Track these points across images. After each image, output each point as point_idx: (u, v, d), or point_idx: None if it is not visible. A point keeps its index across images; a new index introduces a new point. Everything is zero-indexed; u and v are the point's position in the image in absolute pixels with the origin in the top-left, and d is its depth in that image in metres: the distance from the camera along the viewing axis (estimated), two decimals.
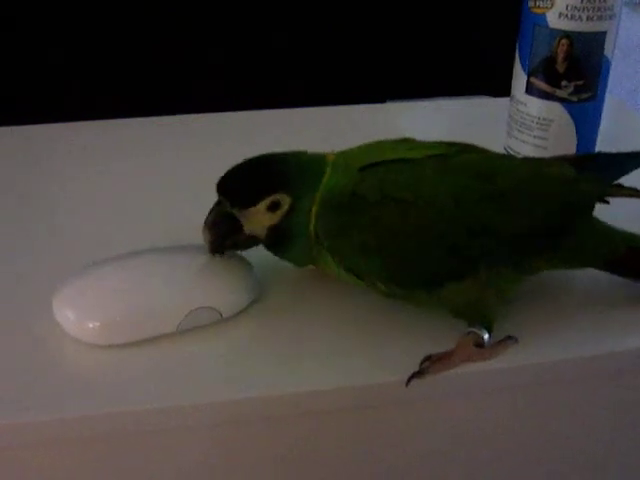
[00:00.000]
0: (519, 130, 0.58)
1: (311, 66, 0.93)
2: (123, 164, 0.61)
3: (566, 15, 0.53)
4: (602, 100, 0.57)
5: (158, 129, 0.68)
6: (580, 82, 0.55)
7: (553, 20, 0.53)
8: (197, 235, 0.43)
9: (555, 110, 0.56)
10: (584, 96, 0.56)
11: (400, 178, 0.41)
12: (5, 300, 0.45)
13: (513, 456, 0.46)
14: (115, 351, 0.41)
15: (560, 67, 0.55)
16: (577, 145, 0.57)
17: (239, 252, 0.45)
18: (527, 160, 0.49)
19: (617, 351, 0.43)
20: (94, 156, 0.63)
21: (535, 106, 0.57)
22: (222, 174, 0.42)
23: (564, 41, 0.54)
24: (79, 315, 0.41)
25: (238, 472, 0.43)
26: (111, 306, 0.42)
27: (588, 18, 0.53)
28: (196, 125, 0.69)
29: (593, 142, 0.59)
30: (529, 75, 0.56)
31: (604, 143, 0.58)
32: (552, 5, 0.53)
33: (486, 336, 0.41)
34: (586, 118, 0.57)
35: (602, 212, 0.44)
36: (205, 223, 0.42)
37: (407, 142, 0.45)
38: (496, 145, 0.50)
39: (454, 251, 0.41)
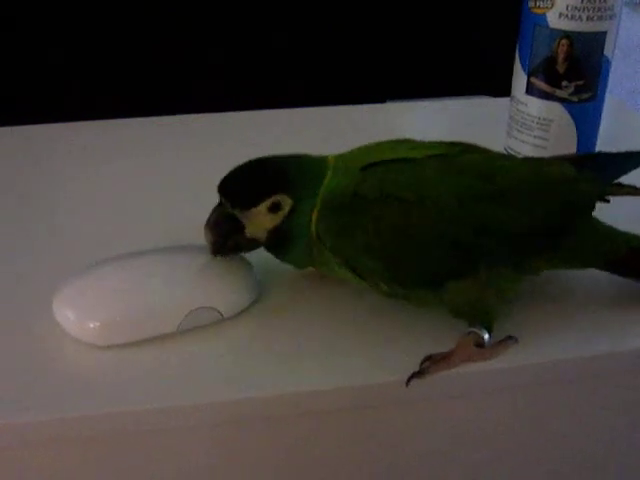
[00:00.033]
0: (519, 130, 0.58)
1: (311, 66, 0.93)
2: (123, 164, 0.61)
3: (566, 15, 0.53)
4: (602, 100, 0.57)
5: (158, 129, 0.68)
6: (580, 82, 0.55)
7: (553, 20, 0.54)
8: (197, 235, 0.43)
9: (555, 110, 0.56)
10: (584, 96, 0.56)
11: (401, 178, 0.41)
12: (5, 300, 0.45)
13: (513, 456, 0.46)
14: (115, 351, 0.41)
15: (560, 67, 0.55)
16: (577, 145, 0.57)
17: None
18: (527, 160, 0.49)
19: (617, 351, 0.43)
20: (94, 156, 0.63)
21: (535, 106, 0.57)
22: (222, 174, 0.42)
23: (564, 41, 0.54)
24: (79, 315, 0.41)
25: (238, 472, 0.43)
26: (111, 306, 0.42)
27: (588, 18, 0.53)
28: (196, 125, 0.69)
29: (593, 142, 0.59)
30: (529, 75, 0.56)
31: (604, 143, 0.58)
32: (552, 5, 0.53)
33: (486, 336, 0.41)
34: (586, 118, 0.57)
35: (602, 212, 0.44)
36: (207, 224, 0.42)
37: (407, 142, 0.45)
38: (496, 145, 0.50)
39: (455, 251, 0.41)
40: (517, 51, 0.57)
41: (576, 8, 0.53)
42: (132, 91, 0.89)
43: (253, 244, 0.43)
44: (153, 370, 0.40)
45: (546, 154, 0.56)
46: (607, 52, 0.55)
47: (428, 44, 0.95)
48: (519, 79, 0.57)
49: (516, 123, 0.59)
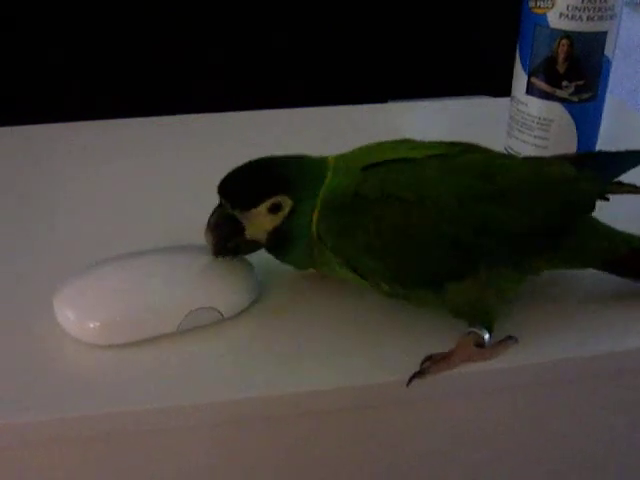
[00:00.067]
0: (519, 130, 0.58)
1: (311, 66, 0.93)
2: (123, 164, 0.61)
3: (567, 15, 0.53)
4: (602, 100, 0.57)
5: (158, 129, 0.68)
6: (581, 82, 0.55)
7: (554, 20, 0.53)
8: (197, 235, 0.43)
9: (555, 110, 0.56)
10: (585, 96, 0.56)
11: (402, 177, 0.41)
12: (5, 300, 0.45)
13: (513, 456, 0.46)
14: (115, 351, 0.41)
15: (561, 67, 0.55)
16: (577, 145, 0.57)
17: None
18: (527, 159, 0.49)
19: (617, 351, 0.43)
20: (94, 156, 0.63)
21: (535, 106, 0.57)
22: (222, 174, 0.42)
23: (565, 41, 0.54)
24: (79, 315, 0.41)
25: (238, 472, 0.43)
26: (111, 306, 0.42)
27: (589, 18, 0.53)
28: (196, 125, 0.69)
29: (593, 142, 0.59)
30: (529, 75, 0.56)
31: (604, 143, 0.58)
32: (553, 5, 0.53)
33: (486, 336, 0.41)
34: (586, 118, 0.57)
35: (602, 212, 0.44)
36: (207, 225, 0.42)
37: (407, 142, 0.45)
38: (496, 145, 0.50)
39: (455, 250, 0.41)
40: (517, 51, 0.57)
41: (576, 8, 0.53)
42: (132, 91, 0.89)
43: (253, 246, 0.43)
44: (153, 370, 0.40)
45: (546, 154, 0.56)
46: (607, 52, 0.55)
47: (428, 44, 0.95)
48: (519, 79, 0.57)
49: (516, 123, 0.59)
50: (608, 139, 0.59)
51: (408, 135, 0.46)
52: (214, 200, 0.42)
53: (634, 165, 0.46)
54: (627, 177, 0.45)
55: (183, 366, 0.41)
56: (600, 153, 0.48)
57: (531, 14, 0.55)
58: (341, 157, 0.44)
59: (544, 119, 0.57)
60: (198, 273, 0.44)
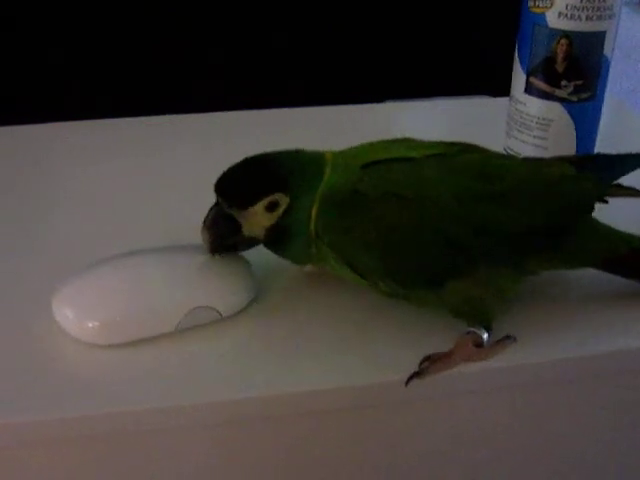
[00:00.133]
0: (519, 130, 0.58)
1: (311, 66, 0.93)
2: (122, 164, 0.61)
3: (565, 15, 0.53)
4: (602, 100, 0.57)
5: (158, 129, 0.68)
6: (580, 82, 0.55)
7: (553, 20, 0.53)
8: (196, 235, 0.43)
9: (555, 110, 0.56)
10: (584, 96, 0.56)
11: (401, 176, 0.41)
12: (5, 300, 0.45)
13: (512, 456, 0.46)
14: (115, 351, 0.41)
15: (559, 67, 0.55)
16: (577, 145, 0.57)
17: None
18: (527, 160, 0.49)
19: (617, 351, 0.43)
20: (94, 156, 0.63)
21: (535, 106, 0.57)
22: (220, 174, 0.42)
23: (563, 41, 0.54)
24: (79, 315, 0.41)
25: (238, 472, 0.43)
26: (111, 306, 0.42)
27: (588, 18, 0.53)
28: (196, 125, 0.69)
29: (593, 142, 0.59)
30: (528, 75, 0.56)
31: (604, 143, 0.58)
32: (552, 5, 0.53)
33: (485, 336, 0.41)
34: (586, 118, 0.57)
35: (602, 212, 0.44)
36: (204, 223, 0.42)
37: (406, 141, 0.45)
38: (496, 145, 0.50)
39: (454, 250, 0.41)
40: (516, 51, 0.57)
41: (575, 7, 0.52)
42: (132, 91, 0.89)
43: (251, 242, 0.43)
44: (153, 370, 0.40)
45: (546, 154, 0.56)
46: (606, 52, 0.55)
47: (428, 44, 0.95)
48: (518, 79, 0.57)
49: (515, 123, 0.59)
50: (607, 139, 0.59)
51: (407, 135, 0.46)
52: (213, 200, 0.42)
53: (634, 168, 0.46)
54: (626, 179, 0.45)
55: (182, 366, 0.41)
56: (600, 156, 0.48)
57: (530, 14, 0.55)
58: (340, 154, 0.44)
59: (543, 119, 0.57)
60: (197, 272, 0.44)
